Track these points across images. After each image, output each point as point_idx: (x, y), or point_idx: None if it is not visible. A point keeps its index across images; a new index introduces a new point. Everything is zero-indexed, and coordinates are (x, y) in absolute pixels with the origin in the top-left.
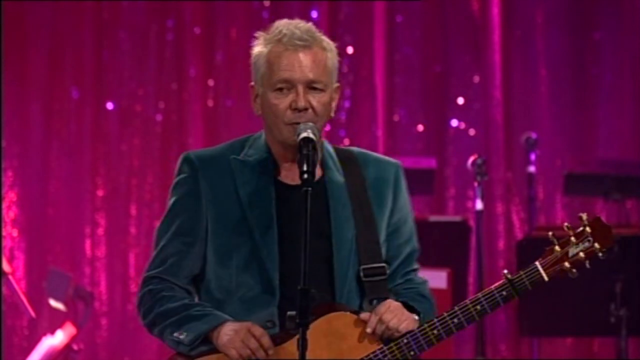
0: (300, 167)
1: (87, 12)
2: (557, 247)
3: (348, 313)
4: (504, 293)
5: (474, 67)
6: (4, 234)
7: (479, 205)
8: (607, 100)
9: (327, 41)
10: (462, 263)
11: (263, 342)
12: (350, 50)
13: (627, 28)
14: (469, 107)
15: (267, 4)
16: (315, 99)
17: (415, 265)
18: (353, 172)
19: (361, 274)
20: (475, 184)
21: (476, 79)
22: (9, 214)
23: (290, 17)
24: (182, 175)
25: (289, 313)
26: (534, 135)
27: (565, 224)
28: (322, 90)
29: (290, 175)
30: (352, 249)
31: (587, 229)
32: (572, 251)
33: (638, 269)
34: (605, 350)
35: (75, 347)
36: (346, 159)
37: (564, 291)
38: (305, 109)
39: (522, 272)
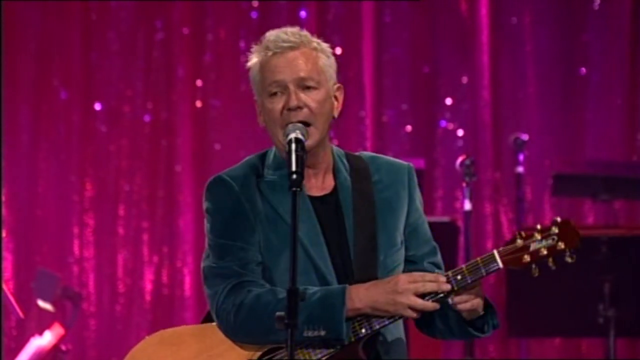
0: (289, 167)
1: (75, 12)
2: (519, 240)
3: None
4: (459, 277)
5: (463, 67)
6: None
7: (468, 205)
8: (595, 102)
9: (318, 42)
10: (451, 263)
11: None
12: (338, 50)
13: (615, 29)
14: (458, 108)
15: (255, 4)
16: (310, 97)
17: (440, 260)
18: (362, 179)
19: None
20: (464, 184)
21: (464, 79)
22: None
23: (279, 17)
24: (222, 197)
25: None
26: (522, 136)
27: (538, 225)
28: (315, 88)
29: (307, 185)
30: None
31: (554, 228)
32: (533, 246)
33: (626, 270)
34: (593, 350)
35: (63, 347)
36: (356, 165)
37: (553, 292)
38: (299, 108)
39: (478, 258)
